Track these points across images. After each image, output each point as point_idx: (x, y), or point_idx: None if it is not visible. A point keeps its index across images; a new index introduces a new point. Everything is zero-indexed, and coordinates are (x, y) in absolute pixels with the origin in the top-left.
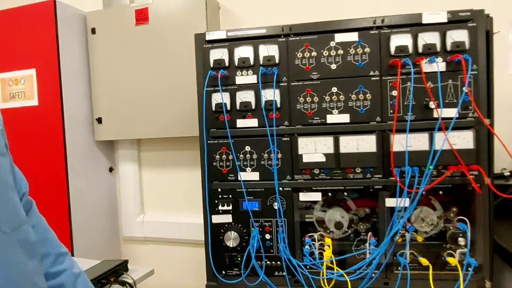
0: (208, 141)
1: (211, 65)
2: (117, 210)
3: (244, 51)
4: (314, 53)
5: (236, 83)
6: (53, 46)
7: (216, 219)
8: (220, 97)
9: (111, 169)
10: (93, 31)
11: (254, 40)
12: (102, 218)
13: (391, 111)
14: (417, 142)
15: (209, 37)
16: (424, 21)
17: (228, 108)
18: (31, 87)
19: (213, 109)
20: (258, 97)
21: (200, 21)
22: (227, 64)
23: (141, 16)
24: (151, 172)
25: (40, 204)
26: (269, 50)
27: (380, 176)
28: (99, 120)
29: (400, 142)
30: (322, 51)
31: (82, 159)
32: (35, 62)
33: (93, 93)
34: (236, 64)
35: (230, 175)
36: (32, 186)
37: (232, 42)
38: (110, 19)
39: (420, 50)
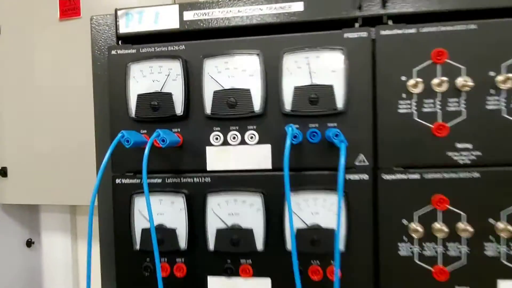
0: None
1: (132, 113)
2: None
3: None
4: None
5: (208, 168)
6: None
7: None
8: (153, 209)
9: (30, 243)
10: None
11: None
12: None
13: None
14: None
15: (125, 25)
16: None
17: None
18: None
19: (137, 246)
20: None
21: None
22: (180, 111)
23: (69, 6)
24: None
25: None
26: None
27: None
28: (3, 172)
29: None
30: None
31: None
32: None
33: None
34: (209, 111)
35: None
36: None
37: (195, 42)
38: (21, 12)
39: None
